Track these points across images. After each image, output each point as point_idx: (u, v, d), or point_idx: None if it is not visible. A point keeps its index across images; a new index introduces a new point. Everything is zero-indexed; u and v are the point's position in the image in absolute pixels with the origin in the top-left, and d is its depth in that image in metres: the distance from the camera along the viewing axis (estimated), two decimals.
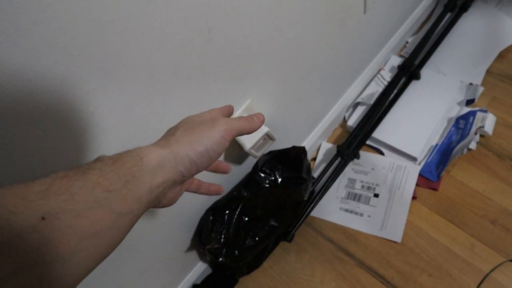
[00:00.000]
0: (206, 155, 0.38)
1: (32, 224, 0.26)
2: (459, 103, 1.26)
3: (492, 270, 1.00)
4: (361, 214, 1.15)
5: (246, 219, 0.95)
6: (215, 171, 0.52)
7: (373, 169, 1.20)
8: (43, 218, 0.26)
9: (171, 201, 0.40)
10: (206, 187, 0.50)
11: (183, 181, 0.39)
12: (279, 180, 0.93)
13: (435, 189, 1.14)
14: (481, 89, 1.26)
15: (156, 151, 0.35)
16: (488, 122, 1.18)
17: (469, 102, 1.26)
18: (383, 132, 1.23)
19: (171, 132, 0.39)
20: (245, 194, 0.92)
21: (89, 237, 0.28)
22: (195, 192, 0.49)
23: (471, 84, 1.29)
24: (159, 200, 0.37)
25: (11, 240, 0.25)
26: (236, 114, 0.77)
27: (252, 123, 0.43)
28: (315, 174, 1.20)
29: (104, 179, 0.30)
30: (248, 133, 0.43)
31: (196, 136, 0.38)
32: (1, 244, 0.24)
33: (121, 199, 0.31)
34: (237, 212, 0.94)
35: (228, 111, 0.49)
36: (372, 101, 1.28)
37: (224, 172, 0.53)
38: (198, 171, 0.39)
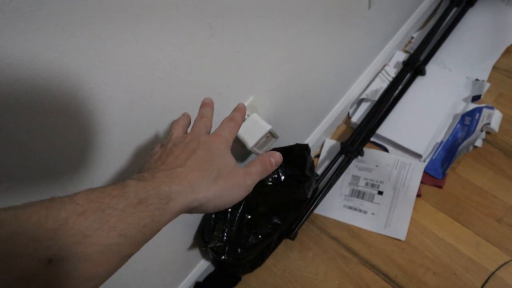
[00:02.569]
0: (220, 209, 0.39)
1: (37, 269, 0.25)
2: (465, 100, 1.25)
3: (497, 269, 0.99)
4: (365, 212, 1.14)
5: (249, 217, 0.95)
6: None
7: (377, 166, 1.19)
8: (49, 261, 0.26)
9: None
10: None
11: None
12: (282, 177, 0.92)
13: (440, 187, 1.13)
14: (487, 85, 1.24)
15: (185, 197, 0.35)
16: (494, 119, 1.16)
17: (475, 98, 1.24)
18: (387, 129, 1.21)
19: (205, 169, 0.39)
20: None
21: (91, 280, 0.28)
22: None
23: (477, 80, 1.27)
24: None
25: (13, 286, 0.24)
26: None
27: (268, 171, 0.44)
28: (319, 171, 1.19)
29: (122, 222, 0.30)
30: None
31: (224, 192, 0.39)
32: None
33: (132, 244, 0.30)
34: (239, 210, 0.93)
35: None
36: (376, 98, 1.26)
37: None
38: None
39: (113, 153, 0.57)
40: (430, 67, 1.31)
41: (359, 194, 1.16)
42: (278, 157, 0.45)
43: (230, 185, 0.39)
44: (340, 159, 1.16)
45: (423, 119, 1.22)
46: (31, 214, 0.26)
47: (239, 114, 0.49)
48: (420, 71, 1.28)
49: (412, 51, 1.33)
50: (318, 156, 1.27)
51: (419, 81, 1.29)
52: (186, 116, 0.51)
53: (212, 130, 0.47)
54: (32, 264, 0.25)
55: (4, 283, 0.24)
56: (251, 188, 0.41)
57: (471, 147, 1.16)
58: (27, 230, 0.26)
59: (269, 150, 0.82)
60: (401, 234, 1.08)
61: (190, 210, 0.36)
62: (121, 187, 0.32)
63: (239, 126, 0.48)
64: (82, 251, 0.27)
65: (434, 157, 1.17)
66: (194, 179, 0.37)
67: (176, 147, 0.41)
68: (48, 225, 0.26)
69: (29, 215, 0.26)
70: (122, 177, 0.61)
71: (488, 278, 0.99)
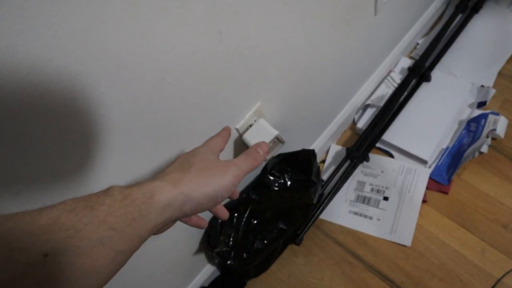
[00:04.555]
0: (214, 199, 0.40)
1: (36, 262, 0.26)
2: (470, 106, 1.25)
3: (503, 276, 0.99)
4: (371, 217, 1.14)
5: (255, 222, 0.95)
6: (214, 213, 0.51)
7: (382, 172, 1.19)
8: (46, 255, 0.26)
9: (161, 231, 0.40)
10: (195, 221, 0.50)
11: (183, 218, 0.41)
12: (288, 183, 0.92)
13: (445, 193, 1.13)
14: (492, 91, 1.24)
15: (168, 190, 0.36)
16: (500, 125, 1.17)
17: (481, 104, 1.25)
18: (393, 135, 1.22)
19: (184, 167, 0.41)
20: (254, 197, 0.92)
21: (88, 274, 0.29)
22: (184, 223, 0.49)
23: (482, 86, 1.27)
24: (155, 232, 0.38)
25: (13, 279, 0.25)
26: (246, 116, 0.77)
27: (257, 159, 0.46)
28: (324, 177, 1.19)
29: (111, 216, 0.31)
30: (253, 170, 0.46)
31: (208, 179, 0.40)
32: (4, 282, 0.25)
33: (123, 238, 0.31)
34: (245, 215, 0.93)
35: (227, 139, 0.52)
36: (382, 103, 1.26)
37: (222, 217, 0.53)
38: (201, 212, 0.41)
39: (122, 157, 0.57)
40: (436, 73, 1.31)
41: (365, 200, 1.17)
42: (264, 146, 0.47)
43: (212, 173, 0.40)
44: (346, 164, 1.16)
45: (428, 125, 1.22)
46: (25, 214, 0.28)
47: (225, 132, 0.53)
48: (426, 77, 1.28)
49: (417, 57, 1.34)
50: (323, 161, 1.27)
51: (424, 87, 1.29)
52: None
53: None
54: (31, 258, 0.26)
55: (5, 276, 0.25)
56: (238, 174, 0.42)
57: (476, 153, 1.16)
58: (23, 227, 0.27)
59: (271, 152, 0.83)
60: (407, 240, 1.08)
61: (181, 206, 0.37)
62: (105, 189, 0.34)
63: (225, 140, 0.51)
64: (75, 244, 0.28)
65: (439, 163, 1.17)
66: (175, 176, 0.39)
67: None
68: (42, 221, 0.28)
69: (22, 214, 0.28)
70: (130, 181, 0.62)
71: (494, 285, 0.98)
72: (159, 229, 0.37)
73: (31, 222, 0.27)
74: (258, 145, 0.47)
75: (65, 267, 0.27)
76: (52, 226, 0.28)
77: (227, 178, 0.41)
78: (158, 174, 0.42)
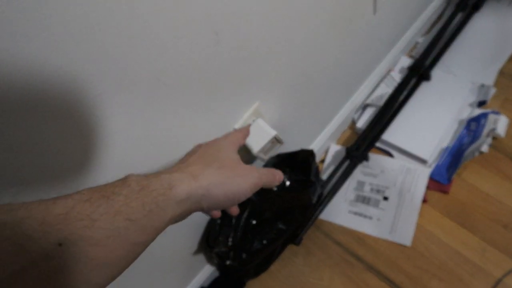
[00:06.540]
0: (231, 200, 0.40)
1: (49, 251, 0.25)
2: (471, 105, 1.24)
3: (504, 276, 0.99)
4: (370, 217, 1.13)
5: (254, 222, 0.95)
6: (227, 211, 0.53)
7: (382, 171, 1.19)
8: (60, 245, 0.26)
9: (176, 222, 0.40)
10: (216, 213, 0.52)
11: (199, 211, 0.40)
12: (287, 183, 0.92)
13: (446, 192, 1.12)
14: (493, 91, 1.24)
15: (188, 183, 0.36)
16: (501, 124, 1.16)
17: (481, 103, 1.24)
18: (392, 134, 1.21)
19: (207, 161, 0.41)
20: (252, 197, 0.91)
21: (102, 266, 0.28)
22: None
23: (482, 85, 1.27)
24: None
25: (26, 268, 0.24)
26: (244, 116, 0.76)
27: (274, 180, 0.48)
28: (324, 177, 1.19)
29: (127, 207, 0.30)
30: (268, 187, 0.48)
31: (230, 179, 0.40)
32: (16, 271, 0.24)
33: (140, 230, 0.31)
34: (244, 215, 0.93)
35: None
36: (381, 103, 1.26)
37: (232, 214, 0.55)
38: (217, 209, 0.41)
39: (119, 159, 0.57)
40: (436, 73, 1.30)
41: (364, 200, 1.16)
42: (279, 175, 0.50)
43: (234, 174, 0.40)
44: (345, 164, 1.16)
45: (428, 124, 1.22)
46: (39, 203, 0.27)
47: (245, 128, 0.59)
48: (426, 77, 1.28)
49: (417, 56, 1.33)
50: (323, 161, 1.27)
51: (424, 87, 1.29)
52: None
53: None
54: (44, 247, 0.25)
55: (17, 266, 0.24)
56: (257, 183, 0.43)
57: (477, 153, 1.15)
58: (37, 215, 0.26)
59: (269, 152, 0.83)
60: (407, 240, 1.08)
61: (200, 200, 0.37)
62: (123, 179, 0.33)
63: (245, 135, 0.55)
64: (91, 235, 0.27)
65: (439, 163, 1.16)
66: (196, 169, 0.38)
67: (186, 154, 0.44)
68: (56, 210, 0.27)
69: (37, 203, 0.27)
70: None
71: (495, 285, 0.98)
72: (176, 220, 0.37)
73: (44, 211, 0.27)
74: (279, 173, 0.49)
75: (78, 258, 0.26)
76: (67, 215, 0.27)
77: (247, 183, 0.41)
78: (178, 162, 0.41)
